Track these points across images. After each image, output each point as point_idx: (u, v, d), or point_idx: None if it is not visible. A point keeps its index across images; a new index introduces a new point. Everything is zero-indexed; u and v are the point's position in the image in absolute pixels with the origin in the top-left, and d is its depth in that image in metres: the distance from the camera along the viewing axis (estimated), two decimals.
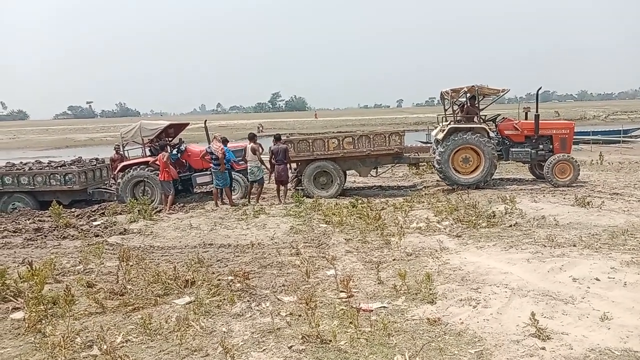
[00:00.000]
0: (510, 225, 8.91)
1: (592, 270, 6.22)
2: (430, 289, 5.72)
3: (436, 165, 13.50)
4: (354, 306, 5.36)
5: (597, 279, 5.90)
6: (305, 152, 13.28)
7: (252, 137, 13.40)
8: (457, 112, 13.98)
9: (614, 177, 14.32)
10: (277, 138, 13.48)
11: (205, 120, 15.60)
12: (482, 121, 13.74)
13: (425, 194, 13.40)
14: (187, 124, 16.61)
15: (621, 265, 6.34)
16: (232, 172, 13.40)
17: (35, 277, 5.95)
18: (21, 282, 6.36)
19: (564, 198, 11.22)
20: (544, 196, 11.64)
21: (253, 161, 12.86)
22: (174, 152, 13.93)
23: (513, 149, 13.73)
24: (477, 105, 13.66)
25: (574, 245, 7.42)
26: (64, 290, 5.69)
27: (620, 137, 26.16)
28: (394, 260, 7.25)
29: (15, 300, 5.92)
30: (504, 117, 14.63)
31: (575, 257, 6.84)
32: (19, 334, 5.11)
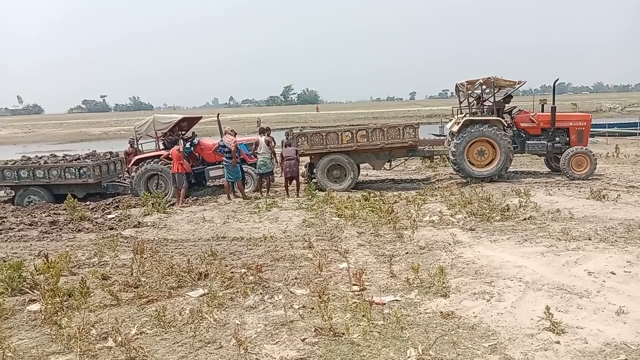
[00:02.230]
0: (525, 219, 8.83)
1: (608, 264, 6.15)
2: (443, 283, 5.69)
3: (451, 158, 13.42)
4: (367, 299, 5.34)
5: (613, 273, 5.84)
6: (319, 145, 13.26)
7: (263, 131, 13.46)
8: (472, 104, 13.87)
9: (630, 170, 14.14)
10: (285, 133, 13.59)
11: (218, 114, 15.66)
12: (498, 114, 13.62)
13: (439, 187, 13.33)
14: (200, 118, 16.68)
15: (637, 259, 6.26)
16: (244, 166, 13.44)
17: (51, 270, 6.02)
18: (37, 275, 6.44)
19: (579, 191, 11.10)
20: (558, 189, 11.53)
21: (266, 153, 12.93)
22: (187, 145, 13.98)
23: (529, 142, 13.62)
24: (501, 99, 13.59)
25: (590, 239, 7.34)
26: (80, 283, 5.77)
27: (636, 129, 25.73)
28: (406, 253, 7.23)
29: (31, 293, 5.99)
30: (520, 109, 14.50)
31: (591, 250, 6.77)
32: (36, 325, 5.17)
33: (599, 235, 7.53)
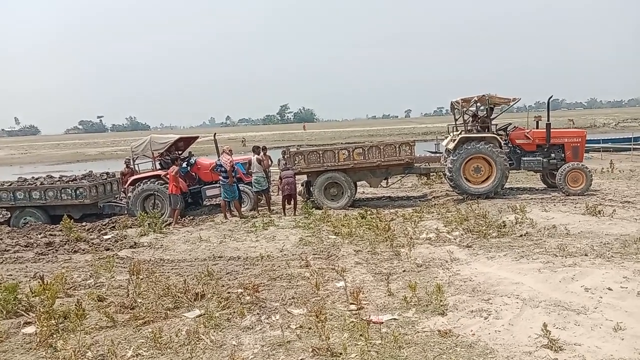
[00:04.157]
0: (521, 235, 8.85)
1: (605, 279, 6.16)
2: (440, 301, 5.69)
3: (447, 175, 13.46)
4: (364, 318, 5.34)
5: (610, 289, 5.84)
6: (316, 164, 13.31)
7: (255, 149, 13.62)
8: (467, 121, 13.97)
9: (625, 185, 14.19)
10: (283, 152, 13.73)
11: (215, 134, 15.69)
12: (493, 131, 13.72)
13: (435, 204, 13.37)
14: (197, 137, 16.72)
15: (634, 275, 6.27)
16: (241, 185, 13.47)
17: (47, 292, 6.00)
18: (33, 297, 6.39)
19: (575, 207, 11.13)
20: (554, 205, 11.55)
21: (259, 172, 13.06)
22: (184, 165, 14.01)
23: (525, 158, 13.69)
24: (484, 114, 13.70)
25: (586, 255, 7.35)
26: (75, 305, 5.73)
27: (631, 144, 25.89)
28: (404, 271, 7.23)
29: (26, 315, 5.95)
30: (515, 126, 14.60)
31: (587, 266, 6.78)
32: (31, 348, 5.13)
33: (595, 251, 7.54)
